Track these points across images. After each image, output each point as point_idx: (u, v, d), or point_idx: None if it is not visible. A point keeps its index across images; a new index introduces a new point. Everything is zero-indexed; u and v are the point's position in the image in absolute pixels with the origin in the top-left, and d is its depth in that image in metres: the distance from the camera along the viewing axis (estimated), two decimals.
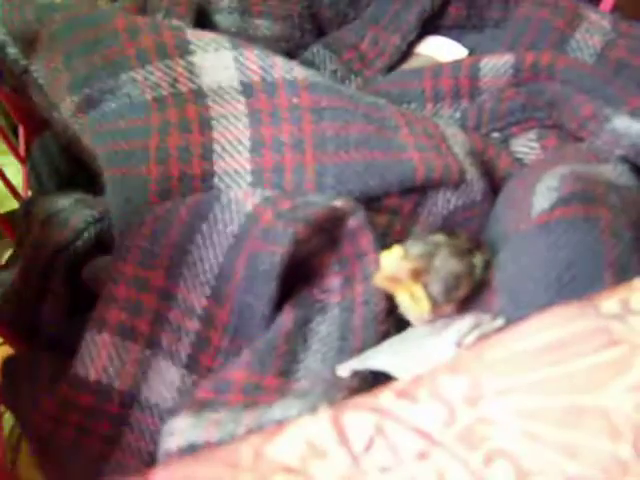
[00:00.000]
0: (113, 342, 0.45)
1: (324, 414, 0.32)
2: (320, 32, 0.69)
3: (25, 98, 0.62)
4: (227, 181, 0.50)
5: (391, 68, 0.66)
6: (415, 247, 0.43)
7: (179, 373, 0.46)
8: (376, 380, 0.39)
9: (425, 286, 0.42)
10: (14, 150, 0.68)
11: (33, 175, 0.65)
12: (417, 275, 0.42)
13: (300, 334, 0.45)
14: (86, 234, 0.54)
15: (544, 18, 0.65)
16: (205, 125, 0.51)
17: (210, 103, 0.52)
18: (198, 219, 0.47)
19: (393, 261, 0.42)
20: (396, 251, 0.42)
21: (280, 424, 0.32)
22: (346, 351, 0.44)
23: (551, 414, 0.32)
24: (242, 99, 0.52)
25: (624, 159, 0.50)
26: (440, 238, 0.45)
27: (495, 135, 0.59)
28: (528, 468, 0.31)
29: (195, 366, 0.46)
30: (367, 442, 0.32)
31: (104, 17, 0.54)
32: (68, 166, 0.63)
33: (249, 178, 0.51)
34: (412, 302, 0.43)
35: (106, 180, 0.52)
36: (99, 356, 0.44)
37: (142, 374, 0.45)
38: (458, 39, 0.67)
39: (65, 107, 0.55)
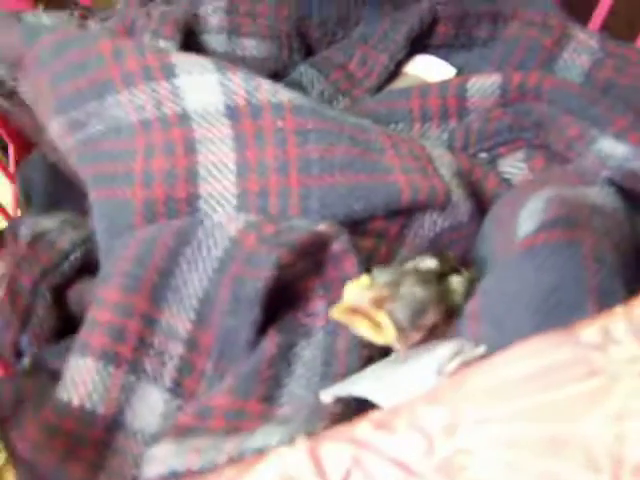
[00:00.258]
0: (96, 367, 0.44)
1: (301, 445, 0.32)
2: (309, 51, 0.68)
3: (14, 118, 0.62)
4: (212, 204, 0.50)
5: (379, 88, 0.65)
6: (381, 276, 0.43)
7: (163, 398, 0.45)
8: (360, 406, 0.39)
9: (390, 314, 0.42)
10: (4, 169, 0.67)
11: (22, 194, 0.65)
12: (380, 303, 0.42)
13: (284, 359, 0.45)
14: (72, 256, 0.54)
15: (532, 37, 0.65)
16: (190, 148, 0.51)
17: (195, 126, 0.51)
18: (182, 243, 0.47)
19: (356, 290, 0.42)
20: (362, 280, 0.43)
21: (256, 456, 0.32)
22: (330, 376, 0.44)
23: (531, 444, 0.32)
24: (227, 122, 0.51)
25: (610, 181, 0.49)
26: (409, 266, 0.45)
27: (483, 155, 0.59)
28: None
29: (179, 390, 0.46)
30: (344, 474, 0.31)
31: (90, 40, 0.54)
32: (57, 186, 0.63)
33: (234, 201, 0.50)
34: (374, 332, 0.42)
35: (92, 202, 0.52)
36: (83, 381, 0.44)
37: (126, 399, 0.45)
38: (446, 58, 0.67)
39: (52, 129, 0.55)
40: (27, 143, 0.66)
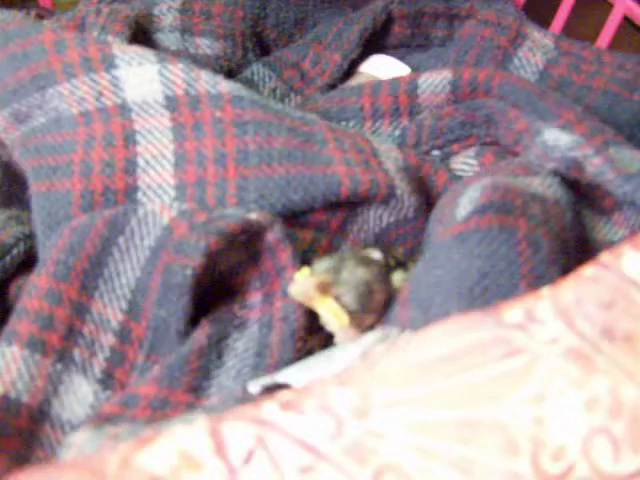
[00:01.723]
0: (22, 355, 0.42)
1: (201, 423, 0.30)
2: (264, 52, 0.67)
3: None
4: (151, 196, 0.49)
5: (333, 87, 0.64)
6: (320, 264, 0.43)
7: (92, 389, 0.43)
8: None
9: (337, 298, 0.41)
10: None
11: None
12: (325, 289, 0.41)
13: (214, 350, 0.43)
14: (15, 250, 0.52)
15: (487, 37, 0.64)
16: (129, 139, 0.49)
17: (134, 117, 0.50)
18: (115, 232, 0.45)
19: (299, 280, 0.41)
20: (302, 272, 0.42)
21: (153, 434, 0.30)
22: (261, 368, 0.42)
23: (444, 428, 0.30)
24: (166, 113, 0.50)
25: (555, 172, 0.48)
26: (347, 253, 0.43)
27: (435, 153, 0.57)
28: None
29: (110, 382, 0.44)
30: (246, 454, 0.29)
31: (32, 31, 0.52)
32: (10, 186, 0.61)
33: (173, 193, 0.49)
34: (332, 316, 0.41)
35: (32, 195, 0.50)
36: (7, 369, 0.42)
37: (53, 389, 0.43)
38: (403, 58, 0.65)
39: None
40: None
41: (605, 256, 0.35)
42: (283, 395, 0.31)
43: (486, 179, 0.44)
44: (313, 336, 0.44)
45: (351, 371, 0.32)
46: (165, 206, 0.46)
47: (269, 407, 0.31)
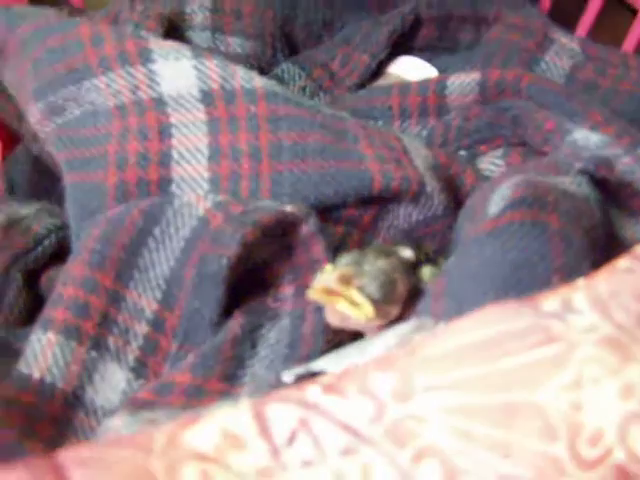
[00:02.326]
0: (58, 341, 0.43)
1: (245, 405, 0.30)
2: (293, 52, 0.68)
3: None
4: (184, 188, 0.49)
5: (361, 87, 0.65)
6: (341, 260, 0.43)
7: (125, 376, 0.44)
8: None
9: (361, 289, 0.41)
10: None
11: (5, 186, 0.63)
12: (347, 280, 0.41)
13: (248, 340, 0.43)
14: (47, 241, 0.53)
15: (515, 40, 0.64)
16: (164, 132, 0.50)
17: (170, 111, 0.50)
18: (150, 222, 0.46)
19: (323, 275, 0.42)
20: (326, 269, 0.42)
21: (197, 415, 0.30)
22: (293, 359, 0.43)
23: (483, 412, 0.31)
24: (201, 107, 0.50)
25: (584, 171, 0.48)
26: (369, 248, 0.44)
27: (462, 153, 0.58)
28: (458, 467, 0.29)
29: (143, 370, 0.44)
30: (289, 435, 0.30)
31: (70, 25, 0.53)
32: (40, 179, 0.62)
33: (206, 185, 0.49)
34: (353, 308, 0.41)
35: (66, 186, 0.51)
36: (43, 355, 0.43)
37: (87, 376, 0.43)
38: (430, 61, 0.66)
39: (32, 115, 0.53)
40: (15, 139, 0.65)
41: (639, 248, 0.35)
42: (325, 379, 0.32)
43: (517, 177, 0.45)
44: (343, 330, 0.44)
45: (391, 357, 0.33)
46: (200, 197, 0.46)
47: (312, 390, 0.31)
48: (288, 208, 0.44)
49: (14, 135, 0.64)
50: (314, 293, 0.41)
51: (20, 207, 0.55)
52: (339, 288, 0.41)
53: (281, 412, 0.30)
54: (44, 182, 0.61)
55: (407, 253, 0.45)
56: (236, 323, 0.44)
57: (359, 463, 0.29)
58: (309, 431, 0.30)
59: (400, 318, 0.42)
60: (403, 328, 0.39)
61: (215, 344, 0.42)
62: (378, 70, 0.66)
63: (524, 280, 0.39)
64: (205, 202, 0.46)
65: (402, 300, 0.42)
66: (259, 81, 0.51)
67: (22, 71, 0.54)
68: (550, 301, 0.34)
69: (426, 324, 0.39)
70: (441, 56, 0.67)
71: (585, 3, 0.72)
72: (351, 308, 0.41)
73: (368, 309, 0.41)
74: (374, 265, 0.42)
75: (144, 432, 0.30)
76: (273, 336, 0.44)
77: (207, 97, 0.50)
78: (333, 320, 0.42)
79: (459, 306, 0.39)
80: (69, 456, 0.28)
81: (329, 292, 0.41)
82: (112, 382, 0.44)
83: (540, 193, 0.42)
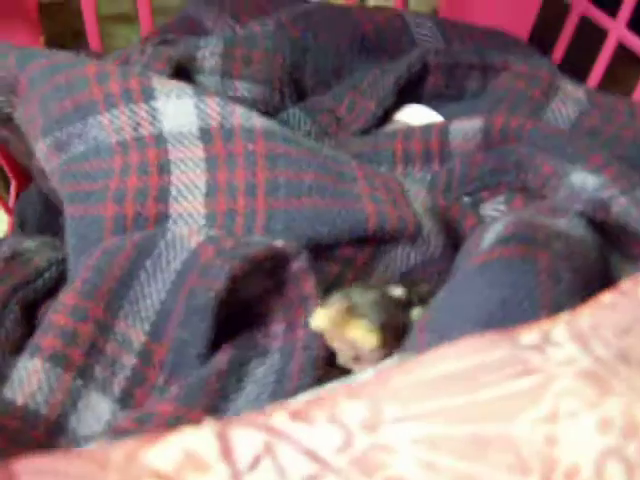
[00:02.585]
0: (44, 368, 0.42)
1: (209, 427, 0.30)
2: (301, 98, 0.68)
3: (10, 147, 0.62)
4: (180, 224, 0.49)
5: (367, 133, 0.65)
6: (329, 299, 0.43)
7: (110, 407, 0.43)
8: None
9: (364, 317, 0.41)
10: (4, 204, 0.67)
11: (17, 224, 0.64)
12: (351, 312, 0.40)
13: (234, 374, 0.43)
14: (47, 274, 0.53)
15: (521, 88, 0.64)
16: (164, 168, 0.50)
17: (170, 147, 0.51)
18: (143, 255, 0.45)
19: (327, 309, 0.41)
20: (318, 310, 0.42)
21: (160, 433, 0.30)
22: (280, 394, 0.42)
23: (452, 444, 0.29)
24: (200, 145, 0.51)
25: (582, 214, 0.47)
26: (353, 287, 0.44)
27: (466, 199, 0.57)
28: None
29: (129, 401, 0.44)
30: (252, 460, 0.29)
31: (78, 63, 0.54)
32: (50, 217, 0.63)
33: (202, 221, 0.49)
34: (364, 335, 0.41)
35: (66, 219, 0.51)
36: (28, 381, 0.42)
37: (72, 404, 0.43)
38: (437, 108, 0.66)
39: (39, 150, 0.54)
40: (28, 177, 0.66)
41: (624, 283, 0.34)
42: (292, 405, 0.31)
43: (512, 216, 0.44)
44: (334, 369, 0.44)
45: (363, 385, 0.32)
46: (193, 231, 0.46)
47: (278, 415, 0.30)
48: (279, 244, 0.44)
49: (28, 173, 0.65)
50: (322, 321, 0.41)
51: (25, 240, 0.55)
52: (346, 319, 0.40)
53: (246, 436, 0.29)
54: (53, 219, 0.62)
55: (397, 292, 0.45)
56: (224, 357, 0.43)
57: None
58: (273, 457, 0.29)
59: (388, 355, 0.42)
60: (385, 363, 0.38)
61: (200, 376, 0.42)
62: (385, 117, 0.66)
63: (511, 316, 0.38)
64: (197, 235, 0.46)
65: (398, 332, 0.42)
66: (259, 120, 0.51)
67: (31, 108, 0.54)
68: (529, 334, 0.33)
69: (408, 358, 0.38)
70: (448, 104, 0.67)
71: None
72: (362, 335, 0.40)
73: (377, 336, 0.40)
74: (364, 297, 0.41)
75: (102, 447, 0.29)
76: (260, 372, 0.43)
77: (205, 135, 0.51)
78: (342, 348, 0.42)
79: (442, 339, 0.38)
80: (24, 465, 0.28)
81: (335, 323, 0.41)
82: (96, 412, 0.43)
83: (531, 231, 0.42)
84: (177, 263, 0.45)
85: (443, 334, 0.38)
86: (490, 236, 0.43)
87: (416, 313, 0.44)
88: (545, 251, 0.41)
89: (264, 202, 0.49)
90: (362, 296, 0.42)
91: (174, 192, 0.50)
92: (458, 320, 0.38)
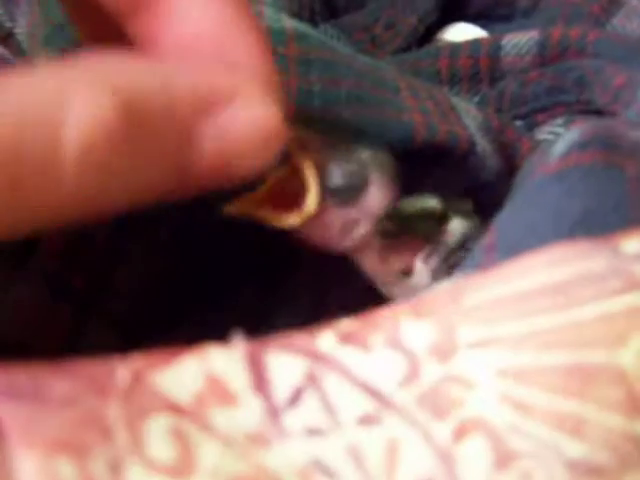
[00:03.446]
0: None
1: (239, 348, 0.23)
2: (333, 16, 0.61)
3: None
4: None
5: (406, 52, 0.58)
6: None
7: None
8: None
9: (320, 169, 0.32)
10: None
11: None
12: (303, 145, 0.32)
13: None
14: None
15: (576, 4, 0.57)
16: None
17: None
18: None
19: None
20: None
21: (177, 349, 0.22)
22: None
23: (547, 376, 0.22)
24: None
25: None
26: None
27: (518, 123, 0.50)
28: (512, 448, 0.21)
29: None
30: (293, 393, 0.22)
31: None
32: None
33: None
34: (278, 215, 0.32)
35: None
36: None
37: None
38: (484, 29, 0.59)
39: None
40: None
41: None
42: (343, 324, 0.24)
43: (586, 124, 0.37)
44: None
45: (431, 302, 0.25)
46: None
47: (325, 338, 0.23)
48: None
49: None
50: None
51: None
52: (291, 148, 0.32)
53: (284, 363, 0.23)
54: None
55: (431, 202, 0.38)
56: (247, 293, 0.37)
57: (382, 436, 0.22)
58: (318, 390, 0.22)
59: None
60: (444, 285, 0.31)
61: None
62: (426, 37, 0.59)
63: (595, 229, 0.31)
64: None
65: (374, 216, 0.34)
66: (289, 22, 0.44)
67: (33, 19, 0.48)
68: (631, 242, 0.26)
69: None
70: (496, 24, 0.60)
71: None
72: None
73: (313, 196, 0.32)
74: (349, 155, 0.33)
75: (106, 363, 0.22)
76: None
77: None
78: None
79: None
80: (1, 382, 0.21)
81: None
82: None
83: (612, 136, 0.35)
84: None
85: (516, 254, 0.31)
86: (561, 145, 0.36)
87: (455, 226, 0.38)
88: (632, 159, 0.34)
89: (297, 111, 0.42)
90: (350, 153, 0.34)
91: None
92: (533, 237, 0.32)
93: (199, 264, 0.38)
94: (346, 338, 0.23)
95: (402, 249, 0.36)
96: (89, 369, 0.21)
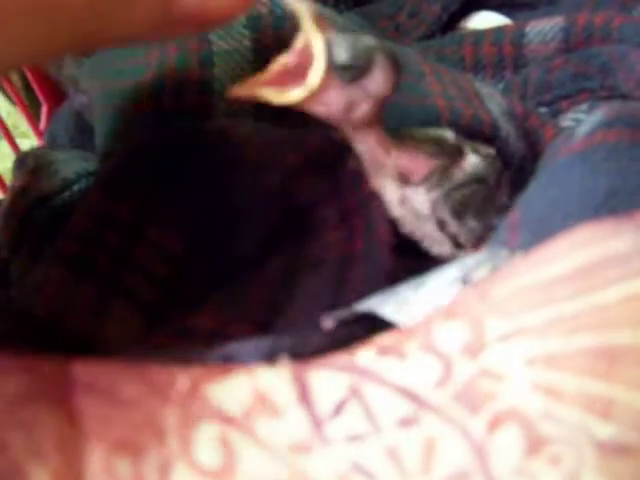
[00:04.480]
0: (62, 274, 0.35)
1: (284, 367, 0.23)
2: (357, 4, 0.60)
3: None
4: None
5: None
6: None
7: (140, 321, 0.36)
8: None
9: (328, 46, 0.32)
10: (33, 124, 0.61)
11: (49, 141, 0.57)
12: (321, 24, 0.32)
13: (285, 285, 0.35)
14: (76, 187, 0.45)
15: None
16: (206, 60, 0.42)
17: (214, 39, 0.43)
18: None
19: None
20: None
21: (228, 365, 0.23)
22: (337, 307, 0.34)
23: (574, 360, 0.22)
24: (247, 33, 0.43)
25: None
26: None
27: (542, 110, 0.49)
28: (545, 434, 0.21)
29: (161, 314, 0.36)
30: (336, 405, 0.22)
31: None
32: (82, 137, 0.55)
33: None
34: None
35: (95, 118, 0.43)
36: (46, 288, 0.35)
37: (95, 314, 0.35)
38: (508, 16, 0.58)
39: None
40: (59, 100, 0.59)
41: None
42: (382, 339, 0.24)
43: (611, 104, 0.36)
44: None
45: (460, 302, 0.24)
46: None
47: (365, 353, 0.23)
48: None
49: (59, 93, 0.59)
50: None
51: (52, 152, 0.48)
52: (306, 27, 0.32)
53: (327, 380, 0.23)
54: (85, 141, 0.54)
55: (447, 134, 0.37)
56: (274, 266, 0.36)
57: (420, 436, 0.22)
58: (362, 400, 0.22)
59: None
60: (469, 260, 0.30)
61: (246, 286, 0.34)
62: (450, 26, 0.57)
63: (620, 208, 0.30)
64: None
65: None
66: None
67: None
68: None
69: (499, 255, 0.30)
70: (519, 12, 0.59)
71: None
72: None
73: (319, 70, 0.31)
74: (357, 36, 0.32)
75: (168, 369, 0.22)
76: (314, 283, 0.36)
77: (254, 22, 0.43)
78: None
79: (538, 239, 0.30)
80: (81, 372, 0.22)
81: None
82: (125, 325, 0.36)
83: (638, 115, 0.33)
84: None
85: (540, 233, 0.30)
86: (586, 125, 0.35)
87: (471, 161, 0.37)
88: None
89: None
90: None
91: (217, 86, 0.42)
92: (557, 215, 0.31)
93: (223, 238, 0.37)
94: (384, 350, 0.23)
95: (406, 152, 0.35)
96: (153, 374, 0.22)
